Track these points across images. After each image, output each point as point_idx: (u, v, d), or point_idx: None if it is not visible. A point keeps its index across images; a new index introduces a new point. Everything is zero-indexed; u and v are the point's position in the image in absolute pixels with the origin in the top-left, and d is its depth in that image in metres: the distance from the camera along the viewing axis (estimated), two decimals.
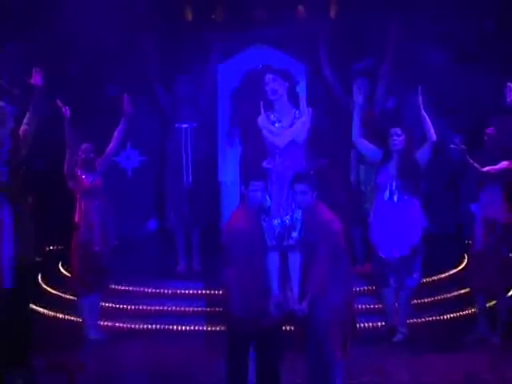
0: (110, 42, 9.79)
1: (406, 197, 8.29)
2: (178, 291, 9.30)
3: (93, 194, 8.54)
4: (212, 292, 9.08)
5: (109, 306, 9.13)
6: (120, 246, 8.87)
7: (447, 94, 10.44)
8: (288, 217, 7.22)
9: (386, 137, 8.34)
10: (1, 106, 6.76)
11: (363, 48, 10.01)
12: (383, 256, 8.37)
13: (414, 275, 8.35)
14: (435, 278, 9.42)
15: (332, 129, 9.57)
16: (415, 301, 8.78)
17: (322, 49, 9.62)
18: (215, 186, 10.29)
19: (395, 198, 8.31)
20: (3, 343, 6.78)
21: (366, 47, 9.96)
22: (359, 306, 8.38)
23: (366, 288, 9.04)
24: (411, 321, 8.67)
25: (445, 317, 9.09)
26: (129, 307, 9.22)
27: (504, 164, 8.25)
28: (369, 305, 8.90)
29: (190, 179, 9.74)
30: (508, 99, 7.77)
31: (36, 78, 7.02)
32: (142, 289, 9.40)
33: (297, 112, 7.62)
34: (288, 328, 6.97)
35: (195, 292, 9.26)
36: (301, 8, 10.29)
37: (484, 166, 8.26)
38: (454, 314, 9.12)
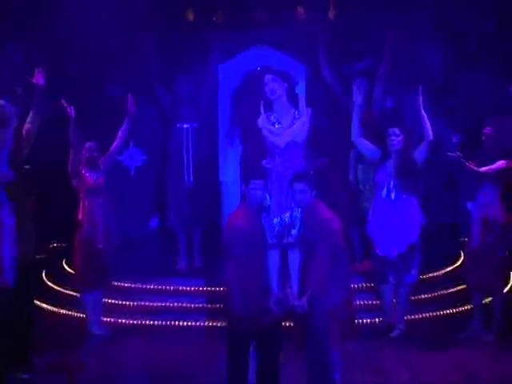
0: (111, 42, 9.79)
1: (403, 195, 8.29)
2: (180, 288, 9.28)
3: (96, 192, 8.53)
4: (213, 289, 9.07)
5: (111, 303, 9.12)
6: (122, 244, 8.84)
7: (446, 93, 10.39)
8: (287, 215, 7.21)
9: (385, 136, 8.34)
10: (2, 106, 6.70)
11: (362, 48, 9.96)
12: (382, 253, 8.37)
13: (413, 272, 8.36)
14: (432, 275, 9.41)
15: (331, 129, 9.54)
16: (412, 297, 8.75)
17: (321, 50, 9.58)
18: (216, 185, 10.24)
19: (393, 196, 8.31)
20: (5, 342, 6.73)
21: (365, 48, 9.91)
22: (358, 303, 8.36)
23: (364, 285, 9.03)
24: (408, 317, 8.68)
25: (441, 313, 9.07)
26: (131, 303, 9.21)
27: (501, 163, 8.23)
28: (367, 301, 8.90)
29: (191, 179, 9.69)
30: None
31: (38, 78, 7.01)
32: (144, 285, 9.38)
33: (296, 112, 7.63)
34: (288, 324, 6.90)
35: (196, 289, 9.23)
36: (300, 9, 10.23)
37: (482, 166, 8.23)
38: (450, 311, 9.10)
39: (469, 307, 8.79)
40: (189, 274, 9.56)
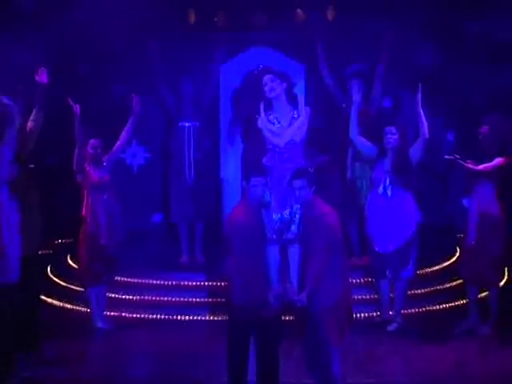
0: (117, 44, 9.75)
1: (399, 191, 8.31)
2: (182, 283, 9.26)
3: (100, 189, 8.53)
4: (214, 283, 9.07)
5: (115, 297, 9.11)
6: (126, 239, 8.83)
7: (444, 92, 10.37)
8: (287, 211, 7.20)
9: (381, 135, 8.35)
10: (7, 105, 6.68)
11: (360, 49, 9.94)
12: (378, 249, 8.38)
13: (409, 267, 8.37)
14: (428, 269, 9.40)
15: (330, 128, 9.53)
16: (409, 292, 8.74)
17: (321, 58, 9.53)
18: (217, 182, 10.22)
19: (389, 193, 8.34)
20: (10, 336, 6.71)
21: (364, 48, 9.89)
22: (355, 297, 8.33)
23: (362, 279, 9.02)
24: (405, 311, 8.67)
25: (437, 307, 9.08)
26: (134, 298, 9.19)
27: (498, 161, 8.21)
28: (365, 296, 8.91)
29: (193, 176, 9.67)
30: None
31: (41, 76, 6.99)
32: (147, 280, 9.35)
33: (295, 112, 7.61)
34: (287, 318, 6.88)
35: (198, 283, 9.23)
36: (299, 11, 10.20)
37: (480, 164, 8.22)
38: (447, 305, 9.11)
39: (465, 301, 8.77)
40: (191, 269, 9.54)
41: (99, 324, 8.55)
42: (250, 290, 6.33)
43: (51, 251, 10.32)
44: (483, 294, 8.58)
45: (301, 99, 7.70)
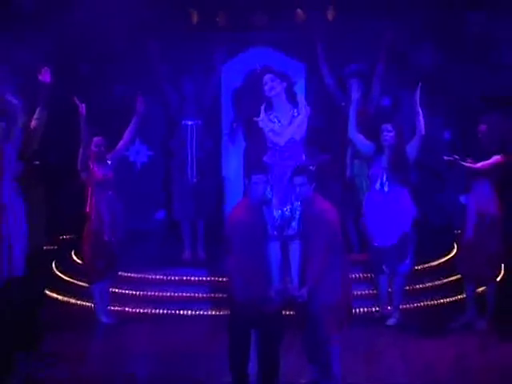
0: (119, 44, 9.70)
1: (396, 187, 8.32)
2: (184, 278, 9.25)
3: (104, 186, 8.51)
4: (216, 279, 9.04)
5: (118, 292, 9.09)
6: (129, 236, 8.83)
7: (443, 92, 10.34)
8: (288, 208, 7.19)
9: (378, 133, 8.36)
10: (12, 103, 6.64)
11: (360, 49, 9.89)
12: (376, 243, 8.39)
13: (406, 261, 8.36)
14: (426, 265, 9.38)
15: (330, 127, 9.49)
16: (407, 287, 8.74)
17: (321, 59, 9.49)
18: (219, 180, 10.19)
19: (386, 189, 8.34)
20: (13, 330, 6.68)
21: (364, 48, 9.84)
22: (355, 292, 8.28)
23: (361, 275, 9.00)
24: (404, 306, 8.66)
25: (435, 302, 9.06)
26: (137, 293, 9.17)
27: (496, 159, 8.18)
28: (364, 291, 8.89)
29: (195, 174, 9.63)
30: None
31: (44, 76, 6.98)
32: (149, 276, 9.34)
33: (295, 111, 7.59)
34: (288, 313, 6.85)
35: (200, 279, 9.21)
36: (299, 11, 10.15)
37: (478, 162, 8.19)
38: (444, 300, 9.09)
39: (462, 296, 8.74)
40: (193, 264, 9.52)
41: (103, 318, 8.55)
42: (250, 289, 6.33)
43: (56, 247, 10.31)
44: (480, 289, 8.57)
45: (301, 98, 7.66)
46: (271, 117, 7.64)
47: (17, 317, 6.71)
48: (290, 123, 7.57)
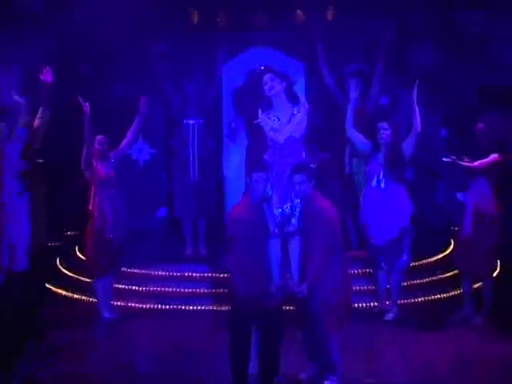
0: (120, 44, 9.68)
1: (392, 184, 8.31)
2: (186, 274, 9.24)
3: (107, 184, 8.51)
4: (217, 275, 9.02)
5: (121, 288, 9.08)
6: (132, 232, 8.82)
7: (442, 92, 10.31)
8: (288, 205, 7.18)
9: (375, 131, 8.36)
10: (16, 102, 6.63)
11: (360, 49, 9.86)
12: (374, 240, 8.39)
13: (403, 257, 8.36)
14: (424, 261, 9.37)
15: (330, 126, 9.48)
16: (405, 283, 8.74)
17: (321, 59, 9.45)
18: (219, 178, 10.18)
19: (382, 185, 8.34)
20: (17, 324, 6.66)
21: (363, 48, 9.81)
22: (354, 288, 8.25)
23: (360, 271, 8.99)
24: (402, 301, 8.65)
25: (433, 298, 9.04)
26: (140, 288, 9.16)
27: (493, 157, 8.17)
28: (362, 286, 8.86)
29: (196, 172, 9.60)
30: None
31: (46, 76, 6.95)
32: (152, 272, 9.33)
33: (295, 109, 7.58)
34: (288, 308, 6.82)
35: (202, 275, 9.20)
36: (299, 12, 10.11)
37: (476, 161, 8.17)
38: (442, 296, 9.08)
39: (459, 292, 8.73)
40: (195, 260, 9.52)
41: (105, 314, 8.54)
42: (251, 285, 6.32)
43: (60, 243, 10.28)
44: (477, 285, 8.54)
45: (301, 97, 7.64)
46: (271, 115, 7.64)
47: (18, 314, 6.70)
48: (289, 121, 7.56)
